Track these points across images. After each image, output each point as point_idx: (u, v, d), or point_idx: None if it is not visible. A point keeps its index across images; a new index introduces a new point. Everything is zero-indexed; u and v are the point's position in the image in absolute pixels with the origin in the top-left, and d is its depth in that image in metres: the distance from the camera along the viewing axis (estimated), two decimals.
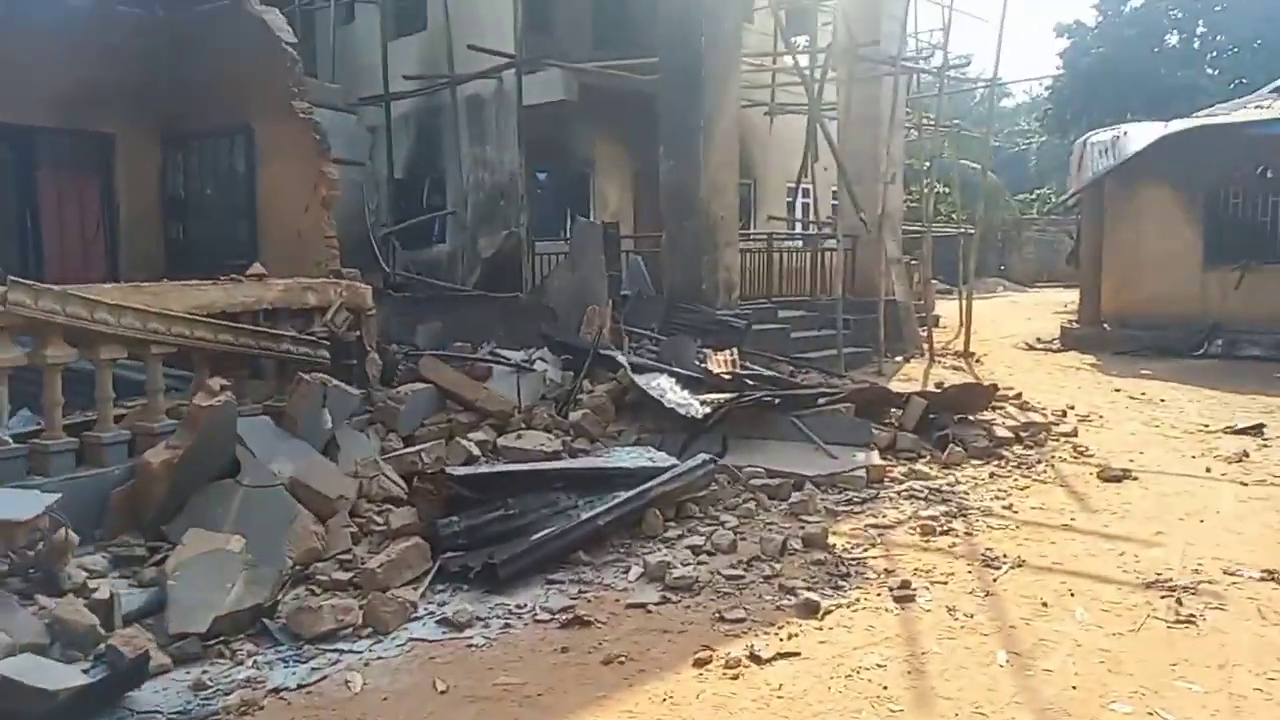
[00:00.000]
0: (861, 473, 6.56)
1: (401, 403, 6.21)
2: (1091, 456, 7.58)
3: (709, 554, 5.11)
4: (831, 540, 5.30)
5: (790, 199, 19.11)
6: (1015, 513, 6.00)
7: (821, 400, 7.54)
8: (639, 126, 11.91)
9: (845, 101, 13.75)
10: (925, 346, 13.25)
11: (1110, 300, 15.32)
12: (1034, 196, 39.30)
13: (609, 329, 9.52)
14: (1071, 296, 17.83)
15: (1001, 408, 9.15)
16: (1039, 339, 16.66)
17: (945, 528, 5.60)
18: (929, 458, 7.34)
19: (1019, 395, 10.25)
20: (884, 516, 5.85)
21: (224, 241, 8.01)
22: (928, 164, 28.78)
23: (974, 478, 6.85)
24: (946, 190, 31.95)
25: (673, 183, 11.03)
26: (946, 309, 19.60)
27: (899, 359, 12.89)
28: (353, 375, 6.19)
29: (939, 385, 11.04)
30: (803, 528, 5.59)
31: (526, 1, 12.79)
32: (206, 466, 4.80)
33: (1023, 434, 8.10)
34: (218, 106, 7.62)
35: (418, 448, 5.88)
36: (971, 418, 8.29)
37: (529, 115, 13.30)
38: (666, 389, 7.69)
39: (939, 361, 12.94)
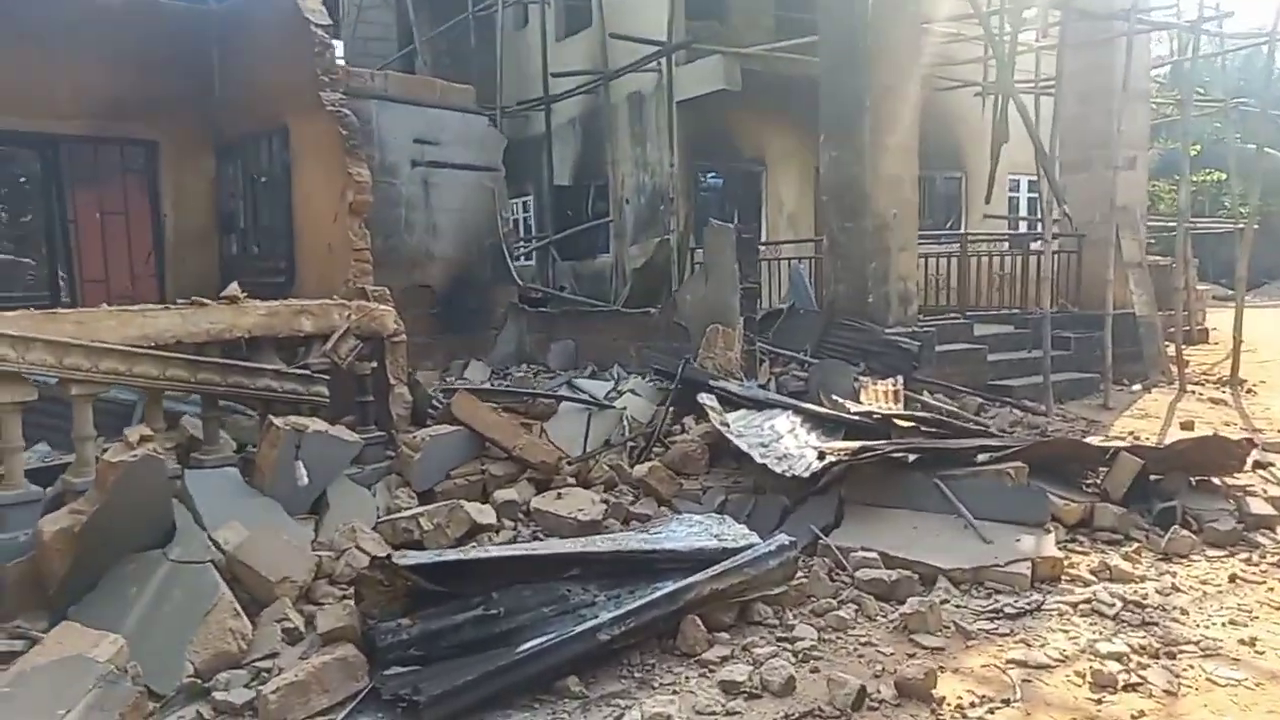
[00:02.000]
0: (1024, 568, 4.68)
1: (417, 450, 5.14)
2: None
3: (749, 696, 3.57)
4: (940, 690, 3.59)
5: (1015, 193, 16.56)
6: (1259, 654, 3.92)
7: (983, 456, 5.64)
8: (817, 117, 10.26)
9: (1062, 70, 11.27)
10: (1174, 371, 10.51)
11: None
12: None
13: (737, 352, 8.05)
14: None
15: (1269, 465, 6.71)
16: None
17: (1134, 678, 3.68)
18: (1141, 544, 5.27)
19: None
20: (1041, 646, 4.00)
21: (268, 258, 7.39)
22: (1196, 147, 24.51)
23: (1204, 582, 4.74)
24: (1222, 177, 27.19)
25: (834, 176, 9.32)
26: (1223, 321, 16.06)
27: (1137, 388, 10.29)
28: (368, 415, 5.22)
29: (1186, 427, 8.54)
30: (911, 656, 3.91)
31: None
32: (128, 534, 3.95)
33: None
34: (263, 104, 6.97)
35: (423, 509, 4.77)
36: (1217, 482, 6.02)
37: (691, 110, 12.06)
38: (781, 434, 6.13)
39: (1193, 392, 10.18)
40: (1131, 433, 8.30)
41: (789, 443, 5.97)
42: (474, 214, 10.11)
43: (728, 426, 5.85)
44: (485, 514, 4.78)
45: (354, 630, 3.68)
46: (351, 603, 3.86)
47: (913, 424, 6.63)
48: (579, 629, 3.76)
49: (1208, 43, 14.63)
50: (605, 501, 5.13)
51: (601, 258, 13.84)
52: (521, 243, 14.01)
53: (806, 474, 5.33)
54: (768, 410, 6.62)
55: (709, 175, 12.50)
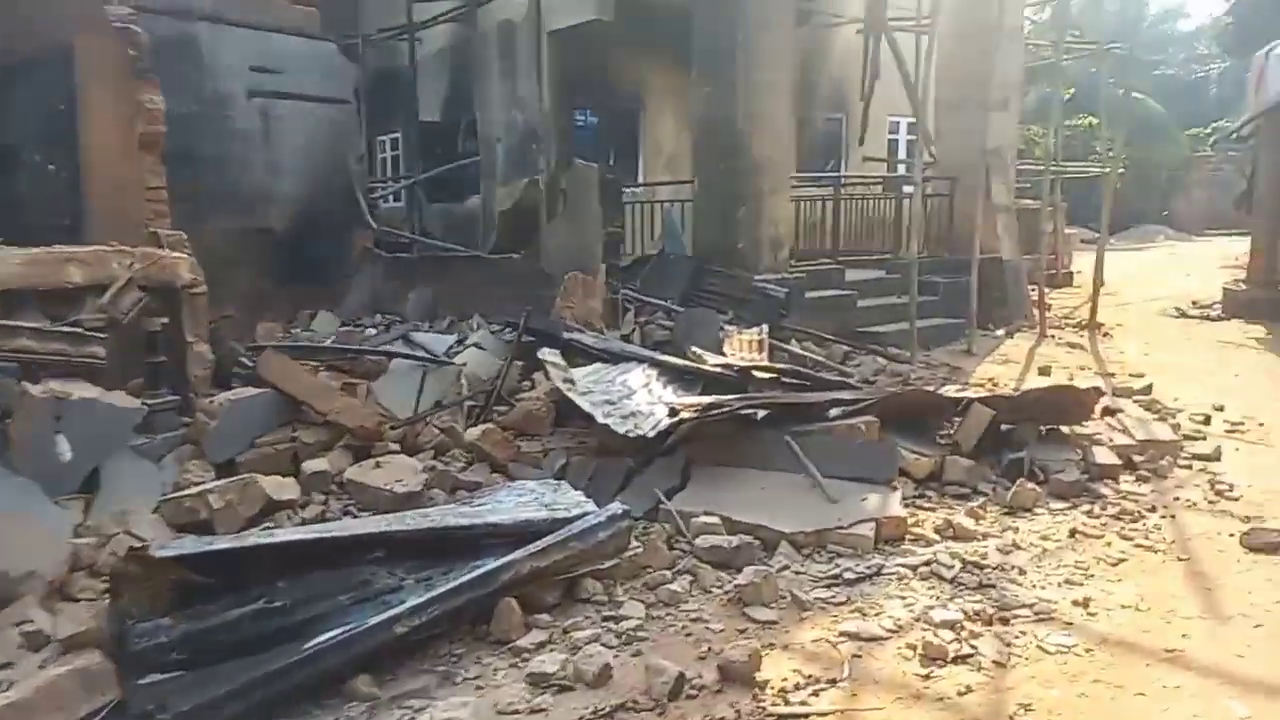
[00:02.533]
0: (868, 529, 4.51)
1: (214, 416, 4.60)
2: (1236, 499, 5.23)
3: (559, 689, 3.26)
4: (766, 671, 3.35)
5: (895, 135, 16.50)
6: (1092, 616, 3.84)
7: (835, 411, 5.45)
8: None
9: (939, 5, 11.10)
10: (1037, 316, 10.65)
11: None
12: (1209, 130, 34.31)
13: (599, 301, 7.67)
14: (1244, 247, 14.52)
15: (1118, 412, 6.77)
16: (1195, 303, 13.62)
17: (965, 648, 3.53)
18: (988, 497, 5.19)
19: (1148, 389, 7.76)
20: (876, 615, 3.81)
21: (47, 200, 6.55)
22: (1069, 90, 25.05)
23: (1044, 538, 4.66)
24: (1094, 122, 28.01)
25: (706, 115, 8.95)
26: (1089, 264, 16.52)
27: (1000, 333, 10.40)
28: (159, 378, 4.63)
29: (1044, 372, 8.64)
30: (741, 633, 3.67)
31: None
32: None
33: (1138, 458, 5.78)
34: (42, 20, 6.09)
35: (213, 484, 4.25)
36: (1066, 431, 6.01)
37: (564, 42, 11.41)
38: (633, 390, 5.80)
39: (1053, 337, 10.35)
40: (991, 379, 8.33)
41: (641, 399, 5.65)
42: (322, 150, 9.35)
43: (572, 384, 5.48)
44: (286, 488, 4.29)
45: (99, 634, 3.19)
46: (108, 601, 3.36)
47: (772, 376, 6.41)
48: (373, 621, 3.36)
49: None
50: (430, 469, 4.70)
51: (472, 200, 13.14)
52: (390, 182, 13.19)
53: (652, 434, 5.03)
54: (624, 364, 6.28)
55: (584, 113, 11.92)
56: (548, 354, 5.73)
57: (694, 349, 6.74)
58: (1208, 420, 6.90)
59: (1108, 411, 6.75)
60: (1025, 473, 5.35)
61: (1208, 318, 12.40)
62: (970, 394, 6.15)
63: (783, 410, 5.32)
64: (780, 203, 9.00)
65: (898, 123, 15.80)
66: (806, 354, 8.16)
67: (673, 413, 5.19)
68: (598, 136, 12.23)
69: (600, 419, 5.03)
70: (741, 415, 5.17)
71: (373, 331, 8.34)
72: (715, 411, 5.11)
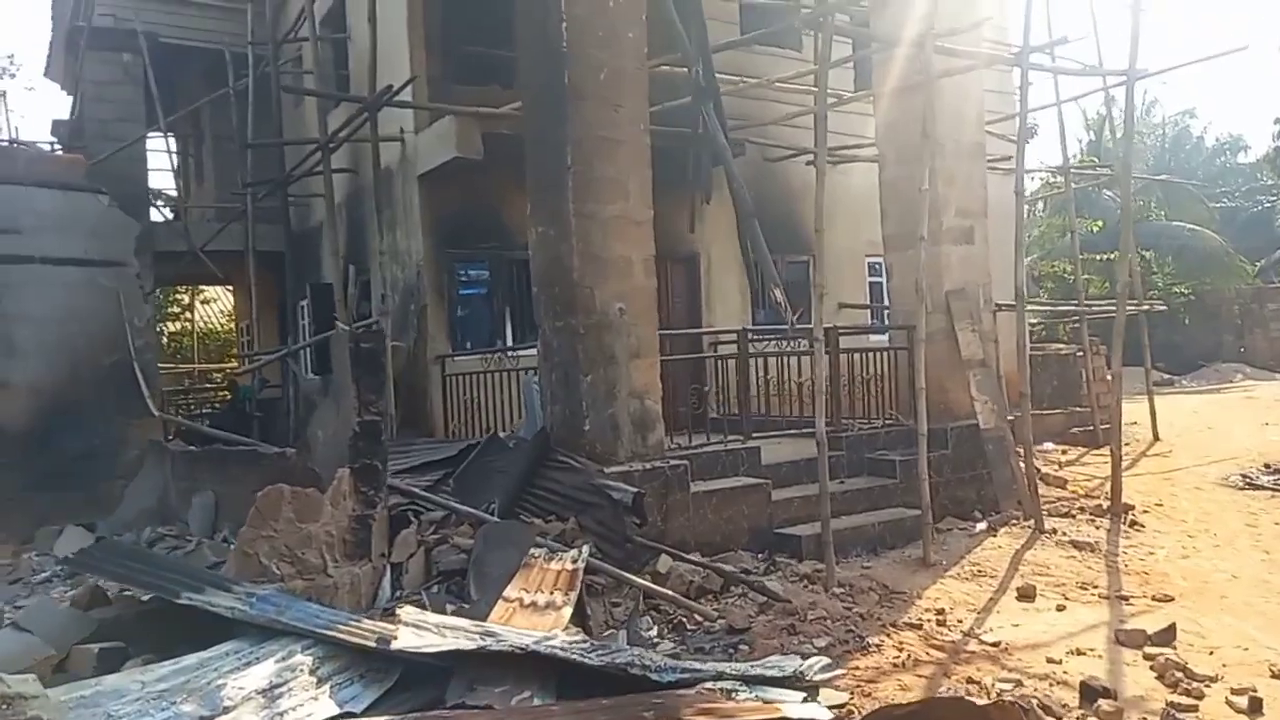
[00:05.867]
0: None
1: None
2: None
3: None
4: None
5: (879, 278, 14.32)
6: None
7: None
8: None
9: (880, 120, 9.08)
10: (1031, 500, 7.87)
11: None
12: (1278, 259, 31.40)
13: (339, 517, 5.41)
14: None
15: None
16: (1268, 465, 10.68)
17: None
18: None
19: (1168, 633, 5.06)
20: None
21: None
22: (1098, 223, 22.88)
23: None
24: (1145, 256, 25.43)
25: (542, 259, 6.89)
26: (1146, 415, 13.61)
27: (981, 527, 7.68)
28: None
29: (1025, 596, 5.96)
30: None
31: (423, 31, 9.40)
32: None
33: None
34: None
35: None
36: None
37: (441, 186, 9.77)
38: (230, 706, 3.44)
39: (1055, 531, 7.55)
40: (938, 614, 5.67)
41: None
42: (83, 324, 7.54)
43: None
44: None
45: None
46: None
47: (523, 653, 3.99)
48: None
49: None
50: None
51: None
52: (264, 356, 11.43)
53: None
54: (253, 649, 3.93)
55: (469, 266, 10.06)
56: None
57: (406, 609, 4.36)
58: (1258, 708, 4.16)
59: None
60: None
61: None
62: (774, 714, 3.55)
63: None
64: (644, 369, 6.73)
65: (879, 263, 13.66)
66: (658, 588, 5.67)
67: None
68: (491, 293, 10.30)
69: None
70: None
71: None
72: None
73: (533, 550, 5.50)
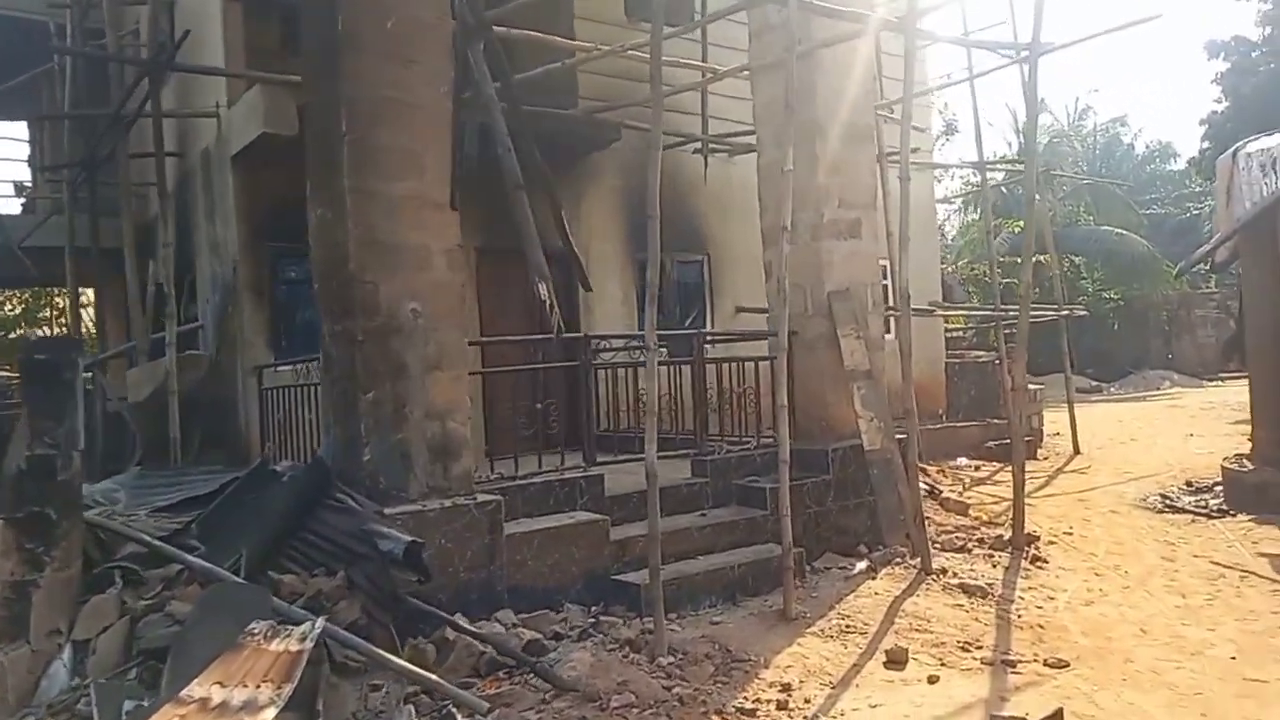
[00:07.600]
0: None
1: None
2: None
3: None
4: None
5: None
6: None
7: None
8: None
9: (756, 98, 7.98)
10: (918, 534, 6.76)
11: None
12: (1209, 266, 31.11)
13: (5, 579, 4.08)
14: None
15: None
16: (1189, 483, 9.82)
17: None
18: None
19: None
20: None
21: None
22: (1019, 225, 22.35)
23: None
24: (1074, 261, 24.94)
25: (321, 249, 5.62)
26: (1066, 423, 12.79)
27: (860, 568, 6.55)
28: None
29: (893, 661, 4.84)
30: None
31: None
32: None
33: None
34: None
35: None
36: None
37: (257, 168, 8.40)
38: None
39: (944, 572, 6.46)
40: (785, 687, 4.51)
41: None
42: None
43: None
44: None
45: None
46: None
47: None
48: None
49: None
50: None
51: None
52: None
53: None
54: None
55: (294, 262, 8.71)
56: None
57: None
58: None
59: None
60: None
61: (1204, 511, 8.59)
62: None
63: None
64: (446, 385, 5.49)
65: None
66: (420, 671, 4.43)
67: None
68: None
69: None
70: None
71: None
72: None
73: (253, 625, 4.23)
